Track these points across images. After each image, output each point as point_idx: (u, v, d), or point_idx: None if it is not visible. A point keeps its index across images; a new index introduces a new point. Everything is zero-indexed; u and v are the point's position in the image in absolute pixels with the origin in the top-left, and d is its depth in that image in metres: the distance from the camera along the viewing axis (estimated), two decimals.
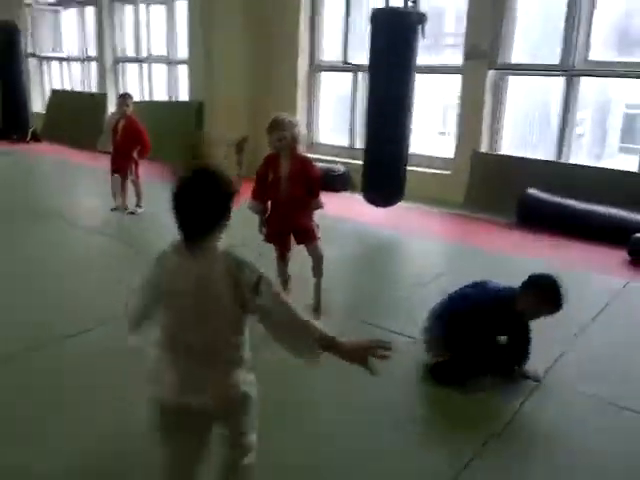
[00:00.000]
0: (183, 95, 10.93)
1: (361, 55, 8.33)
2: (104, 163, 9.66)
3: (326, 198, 3.96)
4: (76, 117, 11.80)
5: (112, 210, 6.71)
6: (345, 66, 8.11)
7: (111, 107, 11.79)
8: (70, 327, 3.68)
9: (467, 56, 7.16)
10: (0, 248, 5.43)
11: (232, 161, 9.28)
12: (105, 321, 3.62)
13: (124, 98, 6.67)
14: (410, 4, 5.79)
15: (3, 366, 3.24)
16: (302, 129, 3.87)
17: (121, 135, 6.56)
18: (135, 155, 6.56)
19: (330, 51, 8.89)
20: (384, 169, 6.14)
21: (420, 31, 5.60)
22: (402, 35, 5.61)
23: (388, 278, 5.06)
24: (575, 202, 6.35)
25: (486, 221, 6.77)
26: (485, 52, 7.00)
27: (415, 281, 4.82)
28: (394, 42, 5.62)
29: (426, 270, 5.15)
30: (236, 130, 9.19)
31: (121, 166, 6.63)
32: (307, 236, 3.89)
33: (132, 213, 6.64)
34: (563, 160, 7.00)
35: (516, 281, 3.14)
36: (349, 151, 8.72)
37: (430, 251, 5.90)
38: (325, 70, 8.98)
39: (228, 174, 1.79)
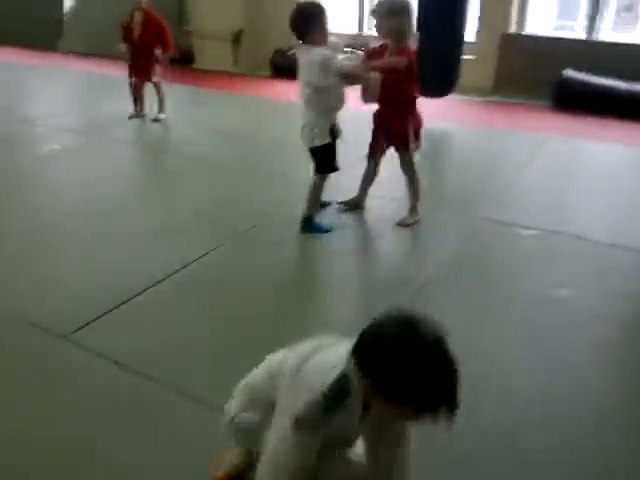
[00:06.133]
0: None
1: None
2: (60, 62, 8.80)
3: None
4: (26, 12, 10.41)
5: (129, 118, 6.10)
6: None
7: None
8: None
9: None
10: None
11: (227, 57, 8.64)
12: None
13: None
14: None
15: None
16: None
17: (139, 32, 5.80)
18: (158, 53, 5.86)
19: None
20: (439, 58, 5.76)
21: None
22: None
23: (460, 170, 4.96)
24: (617, 81, 6.31)
25: (521, 105, 6.69)
26: None
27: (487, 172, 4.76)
28: None
29: (494, 159, 5.09)
30: (229, 23, 8.47)
31: (142, 67, 5.92)
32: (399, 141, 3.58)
33: (156, 120, 6.05)
34: (594, 38, 6.89)
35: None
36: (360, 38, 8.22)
37: (486, 140, 5.77)
38: None
39: None
